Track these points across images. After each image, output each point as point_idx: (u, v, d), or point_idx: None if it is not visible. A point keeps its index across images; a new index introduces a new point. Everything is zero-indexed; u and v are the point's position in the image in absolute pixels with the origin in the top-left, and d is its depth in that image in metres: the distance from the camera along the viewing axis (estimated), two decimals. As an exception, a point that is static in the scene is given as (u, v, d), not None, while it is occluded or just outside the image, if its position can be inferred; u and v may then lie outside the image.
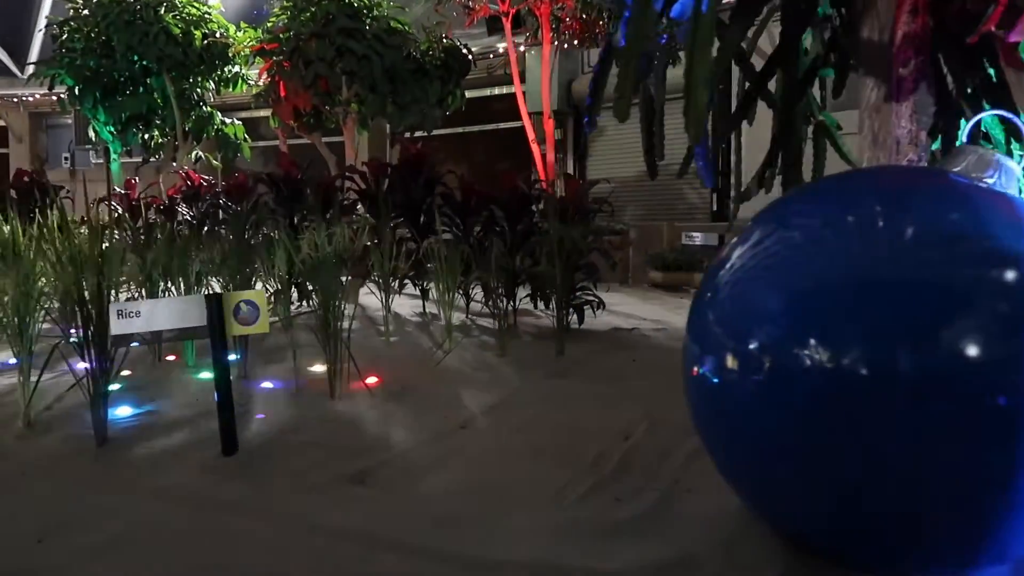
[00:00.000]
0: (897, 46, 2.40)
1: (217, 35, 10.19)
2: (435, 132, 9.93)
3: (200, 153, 11.49)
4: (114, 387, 3.84)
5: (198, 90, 10.46)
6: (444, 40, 8.48)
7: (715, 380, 1.83)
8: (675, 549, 1.89)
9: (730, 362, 1.79)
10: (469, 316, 5.53)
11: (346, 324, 3.47)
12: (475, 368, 4.01)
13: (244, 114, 13.16)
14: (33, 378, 3.10)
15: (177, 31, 9.52)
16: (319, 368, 4.13)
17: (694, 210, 10.90)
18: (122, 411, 3.40)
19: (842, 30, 3.05)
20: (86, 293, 2.78)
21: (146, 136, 10.81)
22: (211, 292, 2.68)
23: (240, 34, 10.23)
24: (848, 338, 1.64)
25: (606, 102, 3.20)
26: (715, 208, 10.45)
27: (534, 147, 8.08)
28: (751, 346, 1.74)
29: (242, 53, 9.28)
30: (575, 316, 4.88)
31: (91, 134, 11.69)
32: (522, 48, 11.55)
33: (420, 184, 5.89)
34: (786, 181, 3.45)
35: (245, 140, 11.59)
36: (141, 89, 10.12)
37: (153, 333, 2.66)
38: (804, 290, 1.73)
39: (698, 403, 1.96)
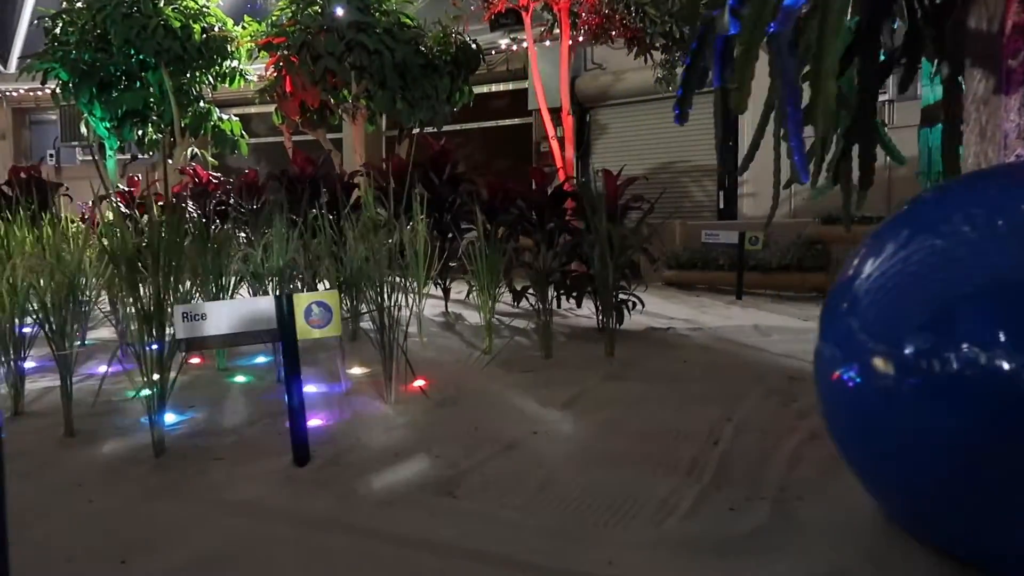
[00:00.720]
0: (1007, 36, 2.32)
1: (216, 29, 9.96)
2: (428, 130, 9.79)
3: (196, 150, 11.24)
4: (146, 393, 3.71)
5: (197, 85, 10.21)
6: (454, 34, 8.33)
7: (864, 387, 1.73)
8: (823, 563, 1.79)
9: (885, 369, 1.69)
10: (495, 316, 5.40)
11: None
12: (523, 370, 3.89)
13: (236, 110, 12.93)
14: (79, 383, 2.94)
15: (177, 24, 9.28)
16: (356, 370, 4.01)
17: (701, 208, 10.85)
18: (168, 418, 3.25)
19: (924, 20, 2.97)
20: (143, 293, 2.62)
21: (140, 132, 10.55)
22: (282, 293, 2.53)
23: (240, 29, 10.01)
24: (1016, 342, 1.55)
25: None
26: (722, 206, 10.40)
27: (553, 143, 7.96)
28: (909, 352, 1.64)
29: (245, 47, 9.05)
30: (613, 316, 4.77)
31: (83, 130, 11.39)
32: (525, 44, 11.42)
33: (444, 181, 5.75)
34: (864, 175, 3.34)
35: (242, 136, 11.36)
36: (138, 84, 9.86)
37: (219, 336, 2.51)
38: (966, 294, 1.64)
39: (838, 411, 1.85)
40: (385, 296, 3.29)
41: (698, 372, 3.77)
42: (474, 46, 8.69)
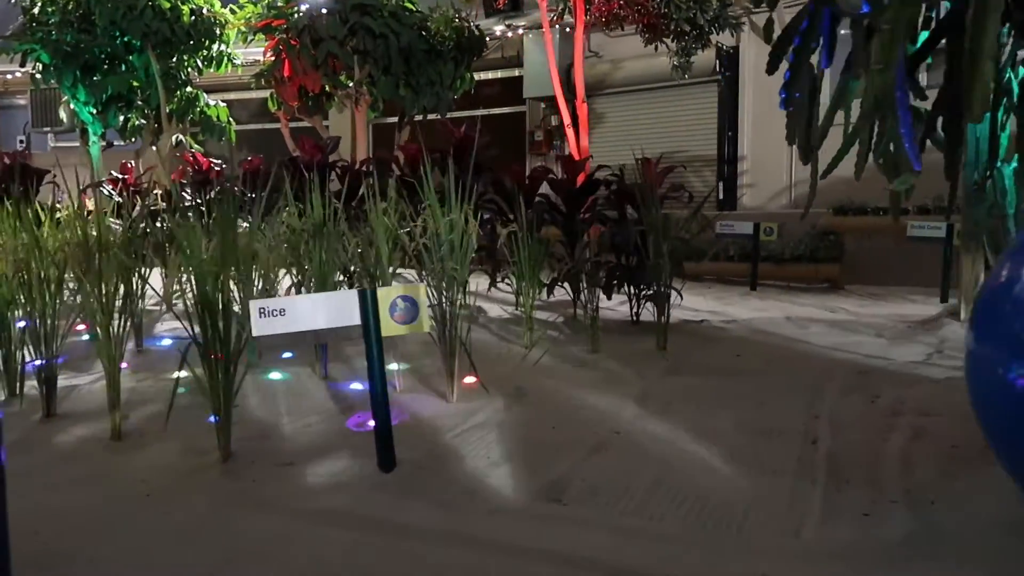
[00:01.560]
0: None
1: (204, 11, 9.61)
2: (417, 118, 9.55)
3: (181, 137, 10.87)
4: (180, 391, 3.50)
5: (185, 69, 9.84)
6: (457, 18, 8.11)
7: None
8: (989, 571, 1.68)
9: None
10: (519, 308, 5.25)
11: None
12: (576, 365, 3.76)
13: (218, 95, 12.55)
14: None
15: (167, 5, 8.92)
16: (393, 365, 3.83)
17: (699, 198, 10.77)
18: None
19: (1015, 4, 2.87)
20: (213, 288, 2.43)
21: (122, 118, 10.15)
22: (365, 287, 2.36)
23: (227, 11, 9.67)
24: None
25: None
26: (720, 197, 10.34)
27: (568, 132, 7.80)
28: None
29: (234, 30, 8.73)
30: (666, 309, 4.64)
31: (62, 115, 10.96)
32: (520, 31, 11.23)
33: (466, 169, 5.56)
34: (950, 165, 3.23)
35: (229, 123, 11.00)
36: (123, 67, 9.48)
37: (299, 334, 2.33)
38: None
39: (999, 410, 1.75)
40: (443, 290, 3.11)
41: (757, 367, 3.67)
42: (477, 31, 8.47)
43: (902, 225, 7.00)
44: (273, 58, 7.90)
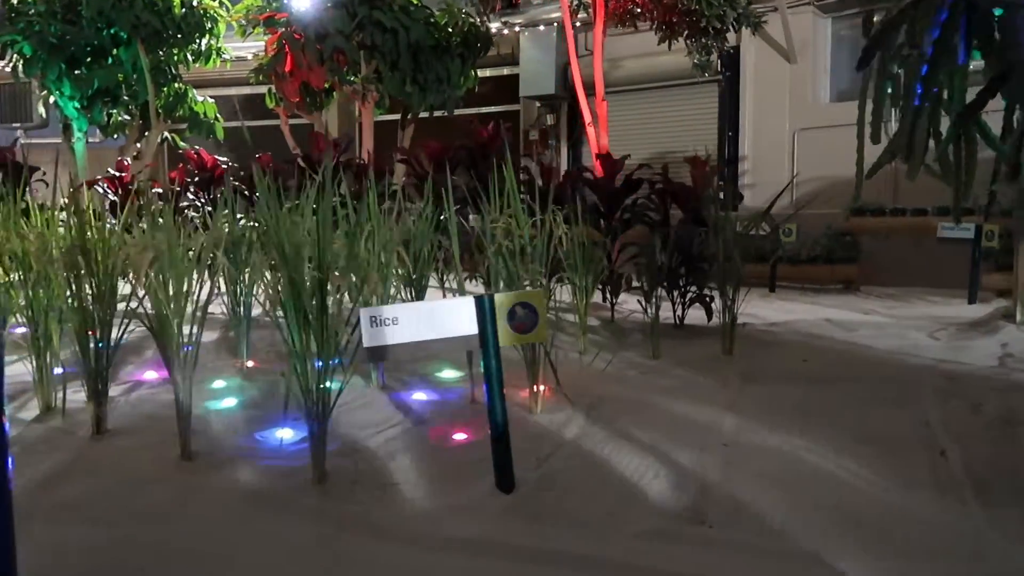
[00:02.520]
0: None
1: (195, 3, 9.27)
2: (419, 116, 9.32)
3: (166, 133, 10.50)
4: (224, 404, 3.28)
5: (174, 64, 9.49)
6: (464, 15, 7.91)
7: None
8: None
9: None
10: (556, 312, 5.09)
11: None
12: (643, 372, 3.61)
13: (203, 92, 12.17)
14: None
15: (158, -4, 8.58)
16: (451, 374, 3.66)
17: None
18: (284, 433, 2.84)
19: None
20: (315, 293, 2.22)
21: (106, 114, 9.76)
22: (487, 294, 2.17)
23: (216, 4, 9.34)
24: None
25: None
26: (722, 196, 10.28)
27: (589, 130, 7.65)
28: None
29: (235, 23, 8.42)
30: (684, 313, 4.53)
31: (40, 110, 10.51)
32: (517, 29, 11.07)
33: (491, 169, 5.39)
34: (1014, 168, 3.17)
35: (217, 119, 10.66)
36: (109, 60, 9.10)
37: (411, 344, 2.14)
38: None
39: None
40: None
41: (833, 373, 3.56)
42: (483, 27, 8.28)
43: (918, 226, 7.00)
44: (275, 52, 7.61)
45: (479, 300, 2.16)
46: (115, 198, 6.81)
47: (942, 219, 6.17)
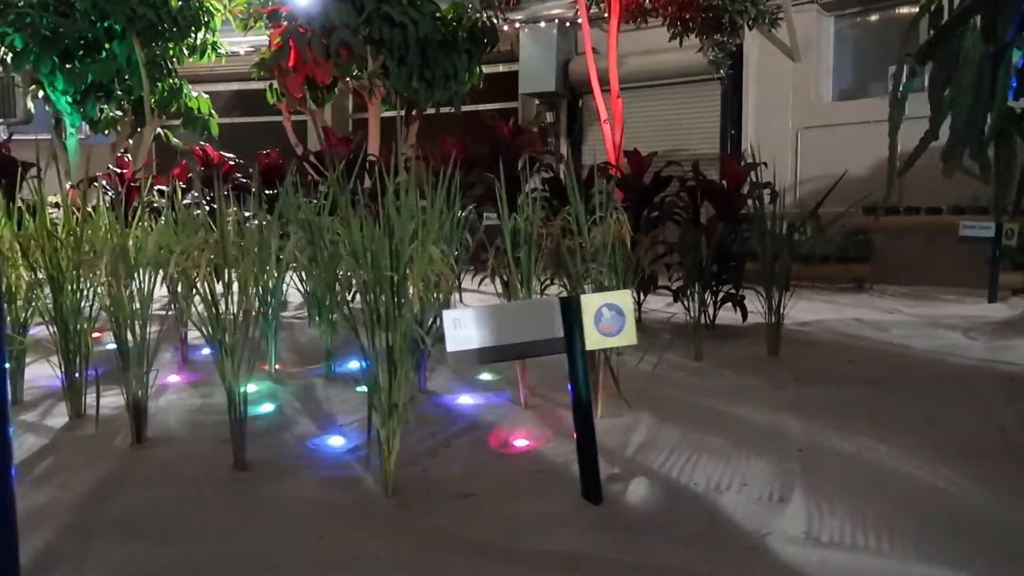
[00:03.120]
0: None
1: (191, -4, 9.06)
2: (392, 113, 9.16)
3: (159, 130, 10.26)
4: (262, 409, 3.14)
5: (170, 58, 9.27)
6: (470, 10, 7.77)
7: None
8: None
9: None
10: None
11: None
12: (691, 373, 3.52)
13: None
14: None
15: (155, -12, 8.36)
16: (490, 376, 3.55)
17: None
18: (335, 441, 2.72)
19: None
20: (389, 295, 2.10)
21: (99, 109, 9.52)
22: (571, 294, 2.07)
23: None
24: None
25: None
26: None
27: (604, 128, 7.56)
28: None
29: (235, 16, 8.23)
30: (715, 313, 4.44)
31: (29, 104, 10.22)
32: (517, 25, 10.96)
33: (516, 167, 5.28)
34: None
35: (211, 115, 10.44)
36: (103, 54, 8.86)
37: (495, 348, 2.03)
38: None
39: None
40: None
41: (882, 373, 3.49)
42: (490, 22, 8.17)
43: (932, 224, 6.99)
44: (279, 45, 7.43)
45: (565, 301, 2.06)
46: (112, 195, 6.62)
47: (961, 218, 6.16)
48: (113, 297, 2.64)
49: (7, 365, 1.38)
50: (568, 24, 10.72)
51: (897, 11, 9.45)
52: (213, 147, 10.20)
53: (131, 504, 2.21)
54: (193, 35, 9.37)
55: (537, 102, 11.62)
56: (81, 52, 8.70)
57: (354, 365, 3.87)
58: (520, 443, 2.65)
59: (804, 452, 2.50)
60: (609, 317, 2.09)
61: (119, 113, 10.05)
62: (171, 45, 9.24)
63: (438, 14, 7.44)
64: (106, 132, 10.41)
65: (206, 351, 4.28)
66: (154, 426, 2.87)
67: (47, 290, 3.19)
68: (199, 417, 3.06)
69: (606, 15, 8.10)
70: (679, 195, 4.75)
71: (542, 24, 10.64)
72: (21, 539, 1.99)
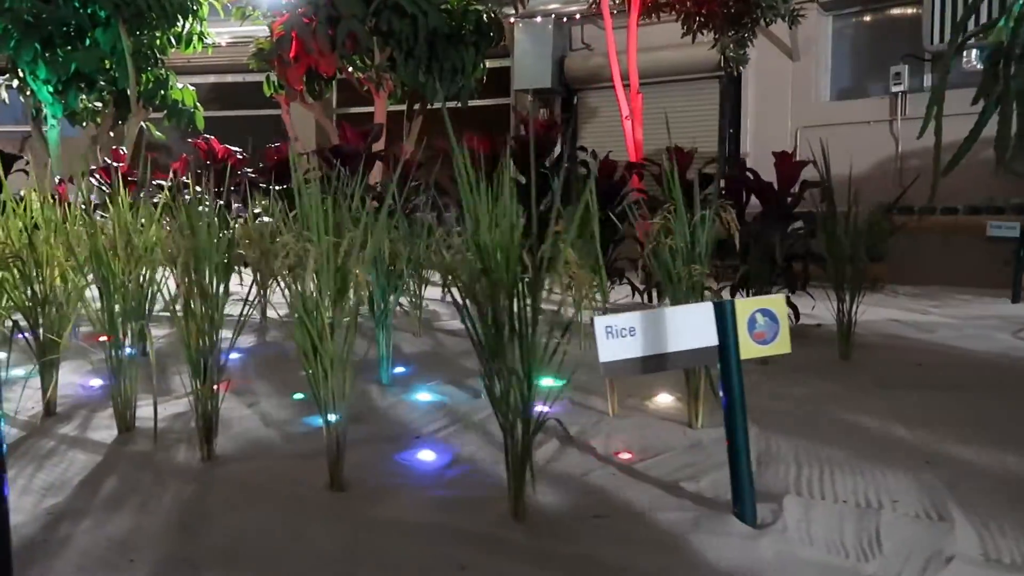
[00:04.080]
0: None
1: (179, -17, 8.70)
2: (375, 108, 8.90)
3: (142, 123, 9.84)
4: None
5: (157, 48, 8.89)
6: (476, 3, 7.56)
7: None
8: None
9: None
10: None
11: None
12: (767, 377, 3.39)
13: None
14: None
15: (144, -26, 7.98)
16: (551, 382, 3.37)
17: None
18: (425, 456, 2.53)
19: None
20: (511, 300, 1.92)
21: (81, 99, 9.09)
22: (723, 298, 1.91)
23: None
24: None
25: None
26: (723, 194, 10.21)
27: (626, 124, 7.41)
28: None
29: (232, 5, 7.90)
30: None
31: (3, 94, 9.72)
32: (512, 19, 10.77)
33: (547, 164, 5.12)
34: None
35: (197, 108, 10.05)
36: (87, 42, 8.46)
37: (650, 359, 1.86)
38: None
39: None
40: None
41: (959, 376, 3.41)
42: (495, 15, 7.97)
43: (947, 225, 7.00)
44: (280, 35, 7.14)
45: (719, 306, 1.90)
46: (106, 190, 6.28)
47: (985, 218, 6.16)
48: (185, 299, 2.40)
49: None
50: (565, 19, 10.58)
51: (895, 11, 9.49)
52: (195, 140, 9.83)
53: (228, 530, 1.99)
54: (181, 23, 9.01)
55: (530, 98, 11.45)
56: (65, 40, 8.29)
57: (399, 369, 3.68)
58: (624, 456, 2.49)
59: (931, 464, 2.37)
60: (763, 324, 1.94)
61: (99, 105, 9.63)
62: (158, 34, 8.86)
63: (444, 6, 7.22)
64: (83, 124, 9.97)
65: (234, 355, 4.05)
66: (227, 444, 2.65)
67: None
68: (260, 429, 2.84)
69: (614, 12, 8.00)
70: (721, 192, 4.63)
71: (538, 19, 10.47)
72: (128, 569, 1.79)
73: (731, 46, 7.01)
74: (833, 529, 1.91)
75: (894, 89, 8.92)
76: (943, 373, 3.48)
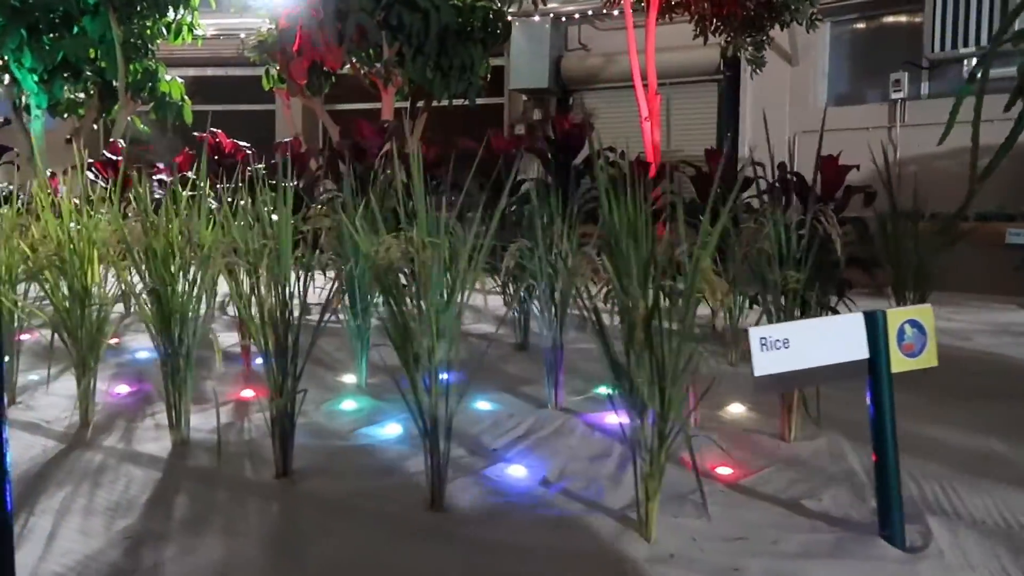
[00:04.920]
0: None
1: (172, -29, 8.40)
2: (375, 107, 8.70)
3: (129, 116, 9.49)
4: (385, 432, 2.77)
5: (148, 37, 8.57)
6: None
7: None
8: None
9: None
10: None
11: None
12: (834, 388, 3.30)
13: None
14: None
15: (135, -39, 7.68)
16: (604, 389, 3.26)
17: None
18: (515, 471, 2.38)
19: None
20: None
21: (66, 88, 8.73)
22: (876, 310, 1.80)
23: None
24: None
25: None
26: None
27: (644, 126, 7.32)
28: None
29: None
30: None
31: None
32: (510, 17, 10.63)
33: (575, 164, 5.00)
34: None
35: (184, 100, 9.72)
36: (74, 30, 8.13)
37: (802, 372, 1.74)
38: None
39: None
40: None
41: (1017, 387, 3.36)
42: (502, 12, 7.81)
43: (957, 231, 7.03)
44: (286, 27, 6.92)
45: (870, 317, 1.79)
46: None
47: (1007, 225, 6.19)
48: (262, 304, 2.22)
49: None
50: (564, 19, 10.48)
51: (893, 19, 9.57)
52: (183, 134, 9.52)
53: (332, 556, 1.84)
54: (173, 13, 8.71)
55: (525, 98, 11.33)
56: (51, 28, 7.94)
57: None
58: (724, 471, 2.37)
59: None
60: (911, 335, 1.84)
61: (81, 96, 9.27)
62: (148, 23, 8.55)
63: (454, 1, 7.05)
64: (64, 116, 9.59)
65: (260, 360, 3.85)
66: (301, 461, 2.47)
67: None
68: (322, 441, 2.66)
69: (616, 12, 7.91)
70: (760, 194, 4.55)
71: (536, 18, 10.35)
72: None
73: (749, 48, 6.97)
74: (988, 554, 1.81)
75: (894, 96, 8.98)
76: (999, 382, 3.44)
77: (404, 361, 2.07)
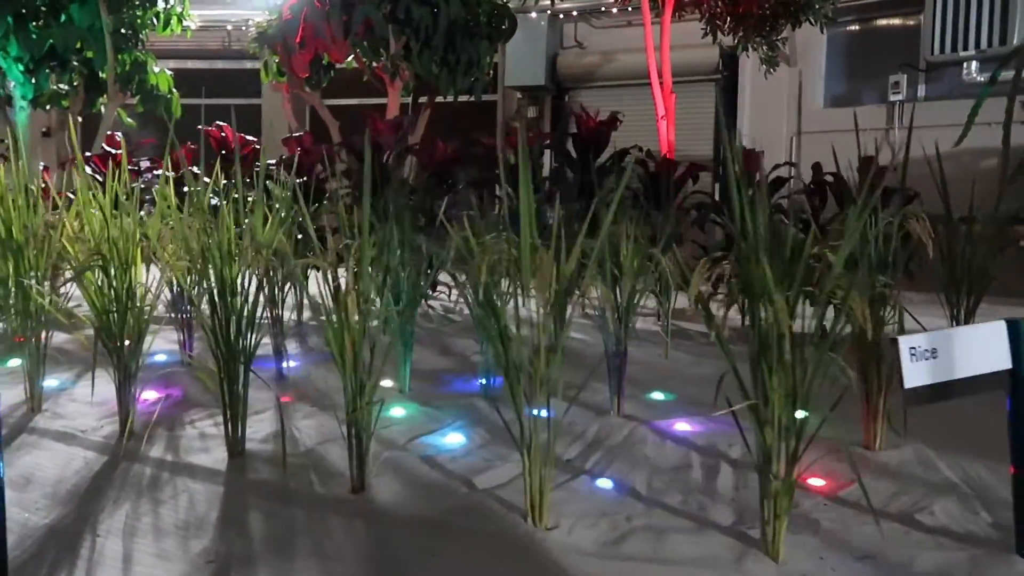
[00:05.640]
0: None
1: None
2: (369, 102, 8.52)
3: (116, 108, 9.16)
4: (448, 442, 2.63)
5: (140, 27, 8.27)
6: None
7: None
8: None
9: None
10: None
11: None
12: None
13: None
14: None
15: (129, -54, 7.39)
16: (660, 396, 3.17)
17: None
18: (603, 484, 2.27)
19: None
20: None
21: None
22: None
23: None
24: None
25: None
26: (718, 199, 10.15)
27: (660, 124, 7.21)
28: None
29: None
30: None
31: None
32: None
33: (599, 162, 4.90)
34: None
35: (171, 93, 9.40)
36: (62, 19, 7.80)
37: (948, 384, 1.65)
38: None
39: None
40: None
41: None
42: (508, 6, 7.67)
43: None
44: (289, 19, 6.71)
45: (1013, 325, 1.70)
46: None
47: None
48: (342, 307, 2.08)
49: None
50: (562, 16, 10.37)
51: (892, 21, 9.61)
52: (169, 128, 9.21)
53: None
54: (163, 2, 8.42)
55: (519, 95, 11.19)
56: (36, 15, 7.62)
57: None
58: (815, 482, 2.28)
59: None
60: (1047, 344, 1.75)
61: (64, 87, 8.91)
62: (139, 13, 8.25)
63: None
64: (46, 108, 9.22)
65: (293, 363, 3.69)
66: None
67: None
68: (385, 451, 2.51)
69: (615, 11, 7.82)
70: (791, 196, 4.50)
71: (533, 15, 10.21)
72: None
73: (763, 47, 6.92)
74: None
75: (892, 98, 9.01)
76: None
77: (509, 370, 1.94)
